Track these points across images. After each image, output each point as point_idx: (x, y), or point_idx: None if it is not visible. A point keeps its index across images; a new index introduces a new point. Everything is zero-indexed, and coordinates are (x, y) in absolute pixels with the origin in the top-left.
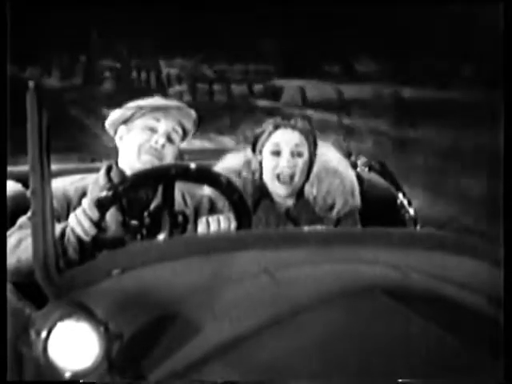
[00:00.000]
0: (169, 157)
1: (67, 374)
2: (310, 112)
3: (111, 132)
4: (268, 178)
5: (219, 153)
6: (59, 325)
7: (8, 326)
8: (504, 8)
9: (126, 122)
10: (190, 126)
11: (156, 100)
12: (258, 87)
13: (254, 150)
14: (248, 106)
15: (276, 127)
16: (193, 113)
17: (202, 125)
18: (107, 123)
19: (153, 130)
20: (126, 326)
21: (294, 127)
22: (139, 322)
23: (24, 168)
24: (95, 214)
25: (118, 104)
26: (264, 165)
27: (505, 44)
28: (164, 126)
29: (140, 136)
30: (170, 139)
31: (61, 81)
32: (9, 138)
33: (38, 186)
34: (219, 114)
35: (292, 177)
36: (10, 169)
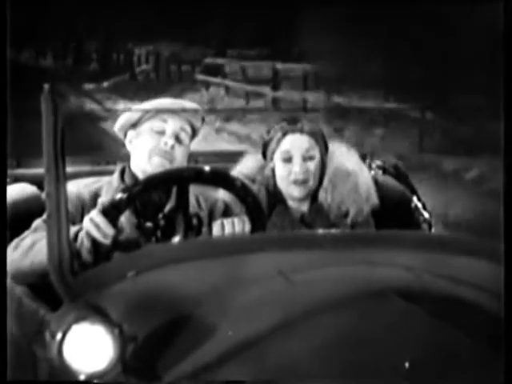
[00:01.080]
0: (179, 157)
1: (81, 376)
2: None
3: (121, 136)
4: (282, 184)
5: (234, 156)
6: (74, 327)
7: (22, 327)
8: (504, 8)
9: (134, 125)
10: (198, 123)
11: (163, 100)
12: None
13: (264, 156)
14: (193, 80)
15: (284, 134)
16: (200, 110)
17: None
18: (116, 127)
19: (161, 133)
20: (141, 327)
21: (302, 131)
22: (154, 324)
23: (39, 171)
24: (113, 214)
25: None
26: (277, 172)
27: (505, 44)
28: (172, 126)
29: (149, 139)
30: (178, 139)
31: (54, 62)
32: (9, 138)
33: (53, 188)
34: (172, 85)
35: (306, 181)
36: (24, 171)
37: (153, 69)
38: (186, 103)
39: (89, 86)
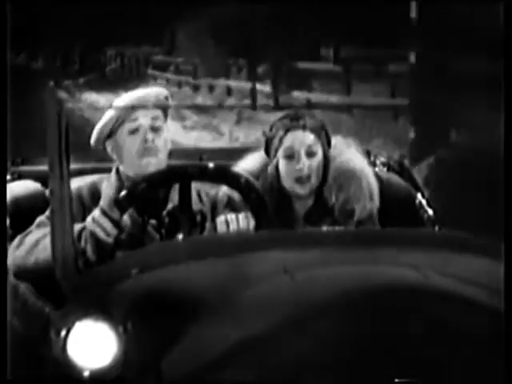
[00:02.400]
0: (162, 148)
1: (86, 373)
2: None
3: (99, 147)
4: (286, 181)
5: (237, 153)
6: (78, 325)
7: (26, 325)
8: (504, 8)
9: (109, 135)
10: (166, 102)
11: (125, 97)
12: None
13: (267, 153)
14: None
15: (286, 130)
16: (162, 90)
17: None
18: (92, 142)
19: (136, 130)
20: (145, 325)
21: (304, 127)
22: (158, 322)
23: (43, 168)
24: (116, 214)
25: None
26: (280, 169)
27: (505, 44)
28: (144, 121)
29: (129, 142)
30: (154, 129)
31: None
32: (9, 138)
33: (57, 185)
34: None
35: (309, 177)
36: (28, 168)
37: (119, 67)
38: (147, 90)
39: (67, 82)
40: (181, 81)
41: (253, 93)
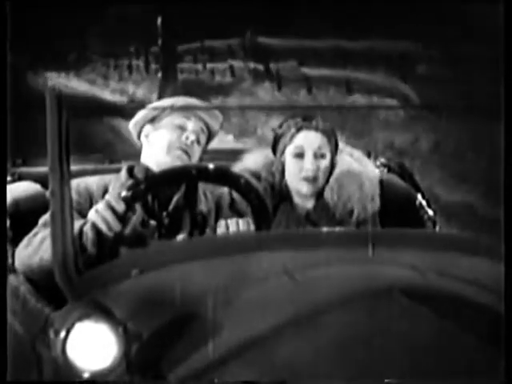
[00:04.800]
0: (196, 156)
1: (85, 375)
2: None
3: (135, 131)
4: (291, 180)
5: (236, 153)
6: (78, 325)
7: (26, 325)
8: (504, 8)
9: (152, 121)
10: (216, 127)
11: (182, 100)
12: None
13: (274, 151)
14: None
15: (298, 129)
16: (219, 115)
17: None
18: (131, 123)
19: (182, 128)
20: (145, 326)
21: (316, 129)
22: (158, 323)
23: (43, 169)
24: (121, 207)
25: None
26: (287, 167)
27: (505, 44)
28: (193, 124)
29: (170, 133)
30: (198, 138)
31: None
32: (9, 139)
33: (57, 186)
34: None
35: (316, 178)
36: (29, 169)
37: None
38: (207, 104)
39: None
40: None
41: None
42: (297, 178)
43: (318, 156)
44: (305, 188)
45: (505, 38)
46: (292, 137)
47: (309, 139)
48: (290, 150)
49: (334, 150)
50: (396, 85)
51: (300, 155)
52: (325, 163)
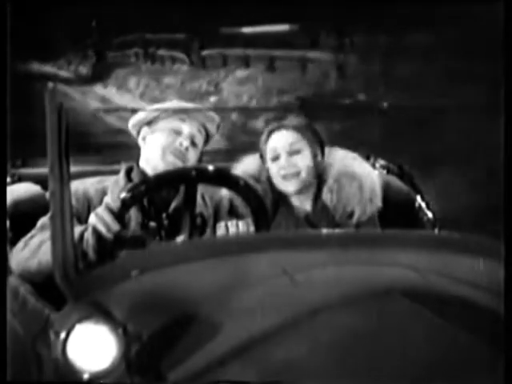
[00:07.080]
0: (192, 160)
1: (86, 376)
2: None
3: (134, 132)
4: (277, 182)
5: (233, 153)
6: (78, 326)
7: (26, 327)
8: (504, 8)
9: (149, 123)
10: (213, 130)
11: (177, 103)
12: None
13: (262, 159)
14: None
15: (270, 133)
16: (216, 117)
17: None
18: (130, 124)
19: (177, 132)
20: (145, 327)
21: (287, 127)
22: (158, 324)
23: (43, 170)
24: (118, 213)
25: None
26: (270, 172)
27: (505, 44)
28: (188, 127)
29: (165, 137)
30: (193, 142)
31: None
32: (9, 139)
33: (57, 187)
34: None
35: (297, 174)
36: (29, 170)
37: None
38: (204, 107)
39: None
40: None
41: None
42: (279, 179)
43: (293, 152)
44: (289, 186)
45: (505, 38)
46: (266, 142)
47: (280, 140)
48: (268, 156)
49: (315, 142)
50: None
51: (276, 157)
52: (303, 157)
